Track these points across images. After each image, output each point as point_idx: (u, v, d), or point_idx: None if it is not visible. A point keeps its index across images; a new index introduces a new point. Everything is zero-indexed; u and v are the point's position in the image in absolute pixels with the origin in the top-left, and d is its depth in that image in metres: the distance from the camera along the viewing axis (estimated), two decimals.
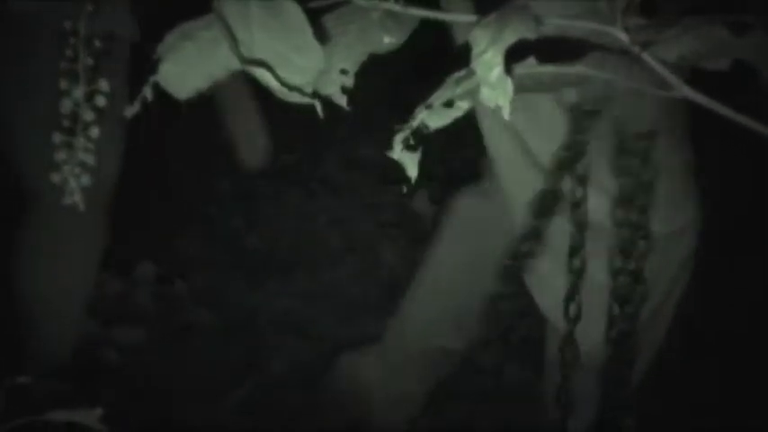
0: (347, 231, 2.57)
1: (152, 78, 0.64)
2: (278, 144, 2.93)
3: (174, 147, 2.61)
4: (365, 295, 2.36)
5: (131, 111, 0.62)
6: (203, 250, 2.50)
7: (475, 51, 0.66)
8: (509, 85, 0.65)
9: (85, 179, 0.57)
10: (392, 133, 0.68)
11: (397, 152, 0.71)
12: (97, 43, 0.60)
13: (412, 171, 0.74)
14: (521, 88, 0.70)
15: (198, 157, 2.69)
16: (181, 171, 2.69)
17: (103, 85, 0.59)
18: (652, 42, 0.66)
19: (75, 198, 0.57)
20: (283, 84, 0.62)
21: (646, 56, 0.68)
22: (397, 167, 0.74)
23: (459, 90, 0.69)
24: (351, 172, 2.80)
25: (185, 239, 2.51)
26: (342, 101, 0.67)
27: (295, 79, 0.63)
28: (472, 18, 0.69)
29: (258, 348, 2.18)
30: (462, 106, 0.71)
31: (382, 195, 2.66)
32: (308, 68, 0.63)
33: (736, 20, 0.66)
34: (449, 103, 0.69)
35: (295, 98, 0.63)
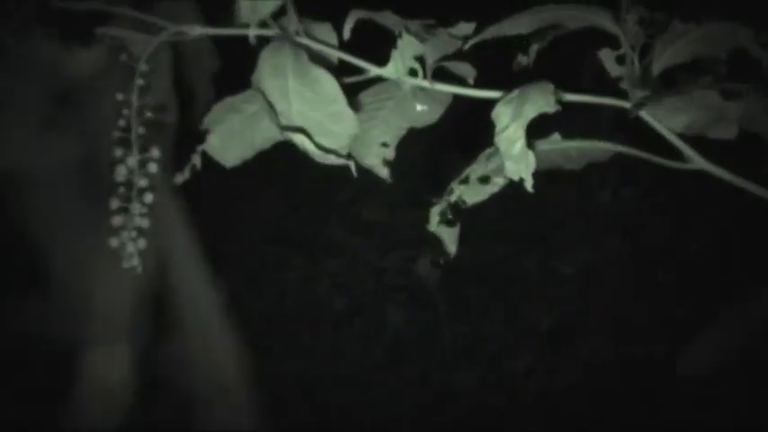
0: (351, 295, 2.59)
1: (200, 147, 0.68)
2: (282, 208, 2.97)
3: None
4: (370, 358, 2.37)
5: (181, 178, 0.65)
6: None
7: (498, 127, 0.69)
8: (531, 158, 0.68)
9: (142, 243, 0.61)
10: (428, 205, 0.70)
11: (434, 225, 0.72)
12: (148, 113, 0.64)
13: (450, 247, 0.73)
14: (548, 163, 0.73)
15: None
16: None
17: (155, 152, 0.62)
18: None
19: (134, 262, 0.60)
20: (320, 147, 0.66)
21: (660, 126, 0.72)
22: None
23: (491, 165, 0.71)
24: (355, 236, 2.83)
25: None
26: (383, 173, 0.71)
27: (330, 144, 0.67)
28: (498, 94, 0.72)
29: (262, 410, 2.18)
30: (498, 182, 0.73)
31: (386, 259, 2.68)
32: (343, 134, 0.67)
33: (728, 87, 0.70)
34: (484, 179, 0.72)
35: (331, 160, 0.67)
